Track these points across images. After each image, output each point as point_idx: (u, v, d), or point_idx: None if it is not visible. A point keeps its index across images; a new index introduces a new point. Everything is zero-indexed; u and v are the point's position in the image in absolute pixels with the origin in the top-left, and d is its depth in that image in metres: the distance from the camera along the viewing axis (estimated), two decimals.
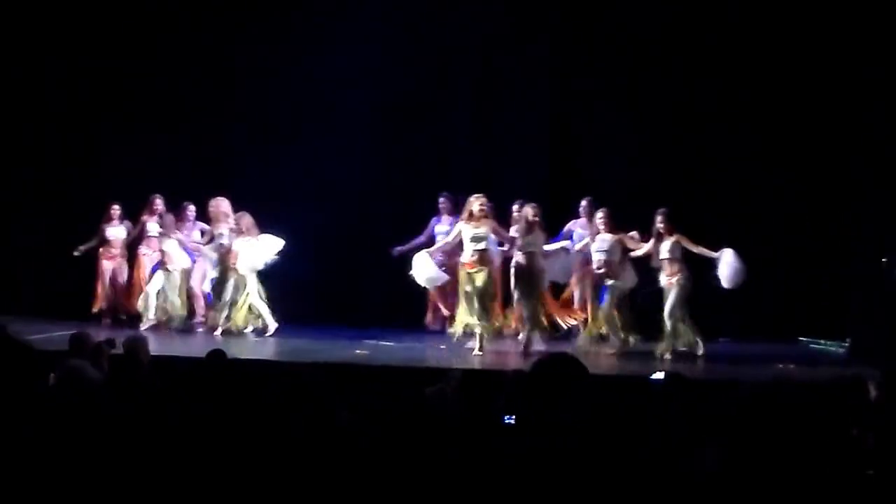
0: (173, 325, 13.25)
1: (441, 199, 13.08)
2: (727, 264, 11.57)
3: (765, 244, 13.03)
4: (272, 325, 12.79)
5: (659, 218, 11.66)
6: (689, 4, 13.57)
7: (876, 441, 4.89)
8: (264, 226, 12.85)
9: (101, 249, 13.63)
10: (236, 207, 13.00)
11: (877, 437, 4.93)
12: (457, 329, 11.70)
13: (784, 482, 3.30)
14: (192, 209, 13.44)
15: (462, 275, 11.62)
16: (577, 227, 12.66)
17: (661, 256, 11.62)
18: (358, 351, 11.47)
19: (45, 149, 14.49)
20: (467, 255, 11.50)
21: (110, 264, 13.62)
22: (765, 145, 13.45)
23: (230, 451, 4.16)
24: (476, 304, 11.46)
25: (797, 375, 10.37)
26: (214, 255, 13.03)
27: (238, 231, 12.82)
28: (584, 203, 12.50)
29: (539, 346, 11.53)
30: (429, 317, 13.18)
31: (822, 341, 12.85)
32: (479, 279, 11.45)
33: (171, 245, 13.27)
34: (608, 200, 12.20)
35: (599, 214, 12.00)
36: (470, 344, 11.59)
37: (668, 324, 11.56)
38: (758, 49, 13.38)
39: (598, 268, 11.89)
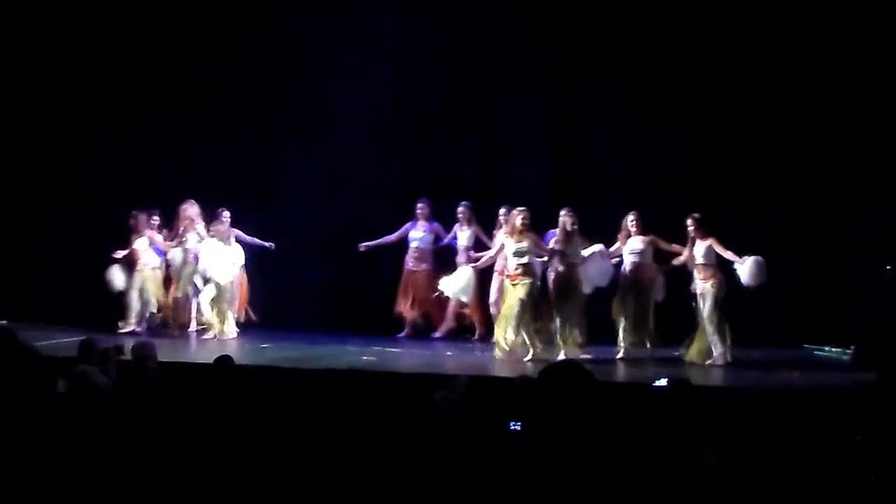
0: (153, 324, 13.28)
1: (420, 205, 13.31)
2: (751, 267, 11.55)
3: (769, 251, 12.96)
4: (229, 332, 12.90)
5: (690, 222, 11.68)
6: (691, 11, 13.52)
7: (879, 447, 4.87)
8: (271, 233, 12.85)
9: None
10: (244, 215, 13.02)
11: (879, 443, 4.90)
12: (501, 344, 11.56)
13: (787, 487, 3.28)
14: (226, 215, 13.24)
15: (506, 287, 11.70)
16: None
17: (697, 261, 11.65)
18: (365, 357, 11.44)
19: (61, 154, 14.44)
20: (511, 268, 11.54)
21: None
22: (768, 152, 13.40)
23: (238, 456, 4.14)
24: (522, 316, 11.43)
25: (801, 382, 10.33)
26: (179, 258, 13.14)
27: (211, 236, 12.97)
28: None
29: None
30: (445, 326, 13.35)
31: (827, 348, 12.79)
32: (522, 291, 11.43)
33: (141, 243, 13.28)
34: (611, 206, 12.21)
35: (631, 217, 12.04)
36: (524, 355, 11.47)
37: (709, 328, 11.55)
38: (761, 57, 13.32)
39: (630, 270, 11.93)
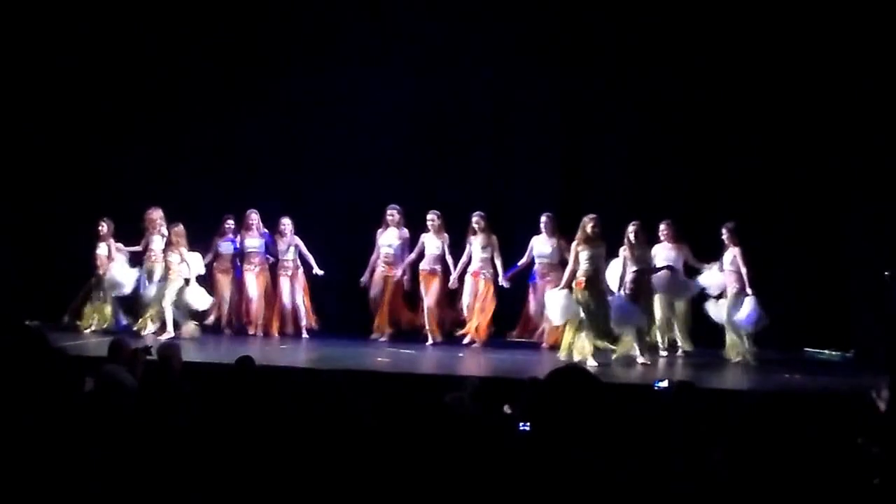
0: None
1: (390, 212, 13.07)
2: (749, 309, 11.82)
3: (769, 255, 12.97)
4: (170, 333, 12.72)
5: (724, 230, 11.98)
6: (698, 23, 13.53)
7: (882, 450, 4.87)
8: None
9: (214, 263, 13.51)
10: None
11: (883, 446, 4.91)
12: (585, 352, 11.40)
13: (790, 490, 3.30)
14: (254, 216, 13.29)
15: (578, 294, 11.49)
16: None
17: (724, 267, 12.01)
18: (379, 359, 11.48)
19: (87, 161, 14.49)
20: (580, 275, 11.42)
21: (225, 278, 13.52)
22: (769, 156, 13.35)
23: (255, 454, 4.18)
24: (601, 321, 11.46)
25: (802, 385, 10.33)
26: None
27: (169, 241, 13.05)
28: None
29: (642, 360, 11.44)
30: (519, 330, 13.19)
31: (826, 351, 12.79)
32: (592, 296, 11.43)
33: (102, 250, 13.35)
34: (617, 215, 12.24)
35: (662, 226, 12.27)
36: (639, 358, 11.39)
37: (733, 332, 11.86)
38: (764, 65, 13.30)
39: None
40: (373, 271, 13.12)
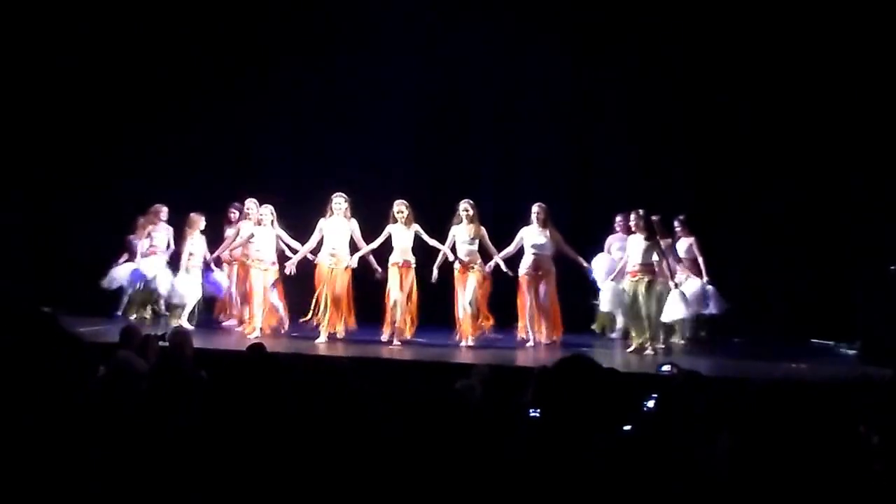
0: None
1: (398, 208, 12.31)
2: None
3: (776, 246, 13.01)
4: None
5: (676, 222, 12.31)
6: (708, 19, 13.54)
7: (882, 439, 4.90)
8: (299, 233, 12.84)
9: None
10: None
11: (883, 435, 4.93)
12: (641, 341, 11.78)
13: (792, 478, 3.33)
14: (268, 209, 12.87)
15: (630, 285, 11.81)
16: (615, 241, 12.78)
17: (680, 255, 12.46)
18: (392, 346, 11.53)
19: (98, 145, 14.58)
20: (633, 266, 11.78)
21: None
22: (776, 149, 13.39)
23: (266, 441, 4.21)
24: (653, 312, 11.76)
25: (807, 374, 10.36)
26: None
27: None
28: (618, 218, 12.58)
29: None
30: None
31: (832, 342, 12.81)
32: (649, 287, 11.75)
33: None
34: (624, 208, 12.32)
35: (633, 217, 12.15)
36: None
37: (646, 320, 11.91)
38: (770, 59, 13.33)
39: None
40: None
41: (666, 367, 8.44)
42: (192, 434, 4.46)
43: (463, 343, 11.89)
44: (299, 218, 12.73)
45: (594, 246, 12.91)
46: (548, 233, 12.29)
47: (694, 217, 12.72)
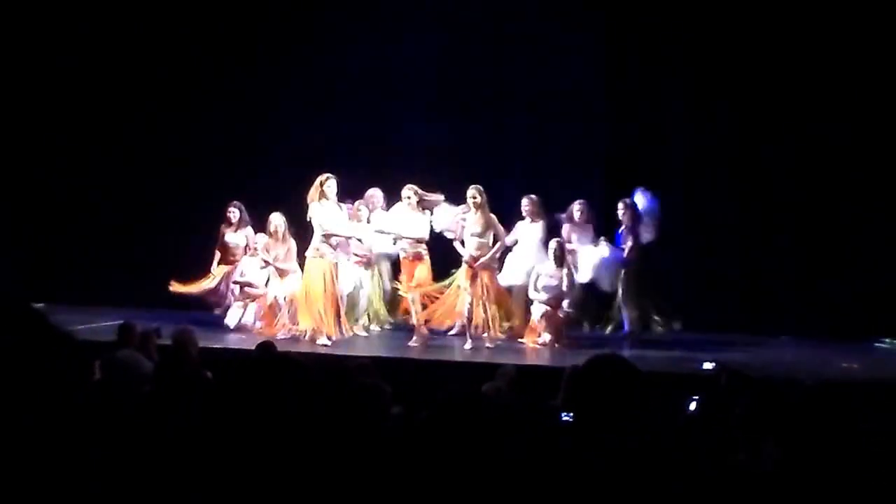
0: None
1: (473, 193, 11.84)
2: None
3: (839, 243, 12.96)
4: None
5: (621, 205, 12.26)
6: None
7: None
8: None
9: None
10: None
11: None
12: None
13: (843, 482, 3.30)
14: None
15: None
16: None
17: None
18: (410, 344, 11.51)
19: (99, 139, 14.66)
20: None
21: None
22: (834, 144, 13.24)
23: (280, 443, 4.21)
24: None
25: (860, 375, 10.29)
26: None
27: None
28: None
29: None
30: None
31: (887, 340, 12.71)
32: None
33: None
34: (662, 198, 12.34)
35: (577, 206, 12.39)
36: None
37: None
38: (830, 49, 13.19)
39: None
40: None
41: (708, 365, 8.40)
42: (195, 435, 4.46)
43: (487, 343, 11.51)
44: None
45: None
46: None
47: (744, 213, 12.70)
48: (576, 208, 12.45)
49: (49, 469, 2.45)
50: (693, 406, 6.42)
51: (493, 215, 11.53)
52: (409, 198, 11.61)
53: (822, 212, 13.24)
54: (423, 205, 11.66)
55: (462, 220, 11.61)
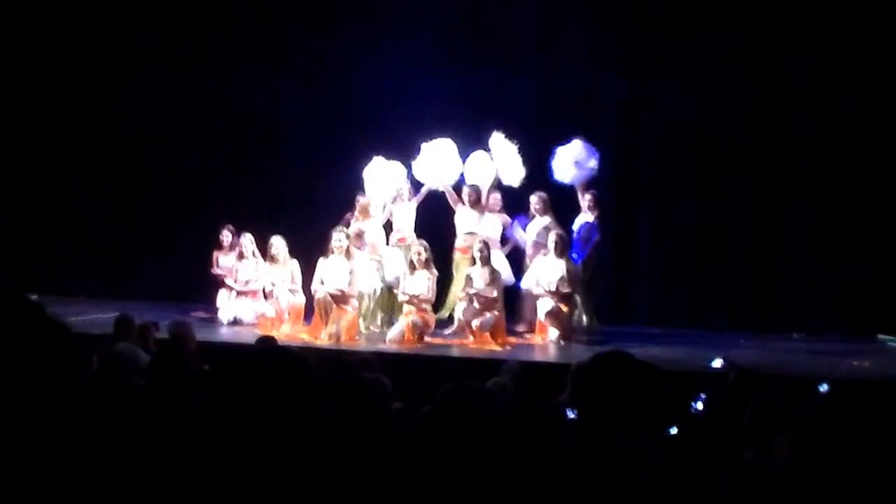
0: None
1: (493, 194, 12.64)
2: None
3: (841, 239, 12.96)
4: None
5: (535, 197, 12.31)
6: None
7: None
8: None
9: None
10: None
11: None
12: None
13: (854, 480, 3.31)
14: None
15: None
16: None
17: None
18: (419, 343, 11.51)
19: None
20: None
21: None
22: (846, 140, 13.24)
23: (279, 439, 4.21)
24: None
25: (871, 373, 10.30)
26: None
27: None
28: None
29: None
30: None
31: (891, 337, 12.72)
32: None
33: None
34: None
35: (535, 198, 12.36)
36: None
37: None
38: (830, 49, 13.20)
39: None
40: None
41: (717, 363, 8.39)
42: (192, 428, 4.47)
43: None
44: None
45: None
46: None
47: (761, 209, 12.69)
48: (533, 200, 12.45)
49: (46, 461, 2.46)
50: (700, 405, 6.44)
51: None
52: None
53: (833, 208, 13.23)
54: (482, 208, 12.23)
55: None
